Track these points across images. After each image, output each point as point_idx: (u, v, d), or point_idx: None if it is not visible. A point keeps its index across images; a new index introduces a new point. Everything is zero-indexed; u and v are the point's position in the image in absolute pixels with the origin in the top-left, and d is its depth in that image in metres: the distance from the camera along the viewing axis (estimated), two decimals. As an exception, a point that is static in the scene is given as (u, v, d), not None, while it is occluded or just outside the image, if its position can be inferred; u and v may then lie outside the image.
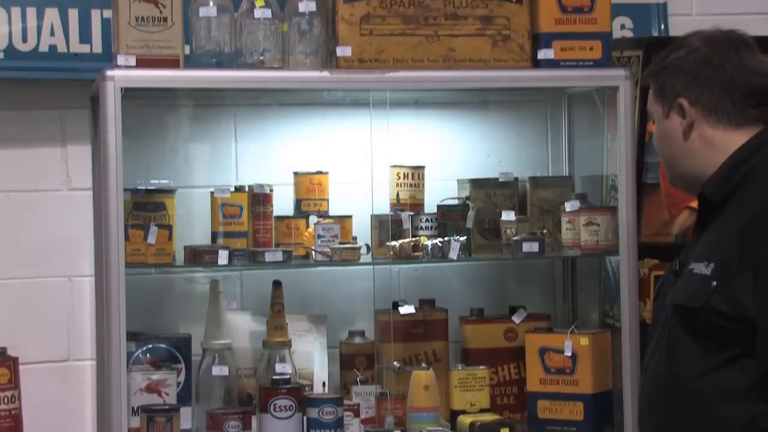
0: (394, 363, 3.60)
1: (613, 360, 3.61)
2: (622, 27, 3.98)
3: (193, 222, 3.69)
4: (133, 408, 3.37)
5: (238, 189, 3.62)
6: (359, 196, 3.64)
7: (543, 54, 3.53)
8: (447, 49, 3.49)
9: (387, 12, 3.46)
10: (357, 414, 3.52)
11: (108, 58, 3.50)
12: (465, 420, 3.60)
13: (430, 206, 3.74)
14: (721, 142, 2.54)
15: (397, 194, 3.72)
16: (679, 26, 3.97)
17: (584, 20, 3.56)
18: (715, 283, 2.41)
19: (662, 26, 4.00)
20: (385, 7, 3.46)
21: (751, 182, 2.49)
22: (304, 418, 3.43)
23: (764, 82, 2.54)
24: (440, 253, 3.57)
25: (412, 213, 3.67)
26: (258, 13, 3.44)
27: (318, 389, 3.59)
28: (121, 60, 3.31)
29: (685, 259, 2.56)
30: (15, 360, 3.50)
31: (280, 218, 3.65)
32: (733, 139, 2.53)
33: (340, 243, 3.55)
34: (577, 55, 3.55)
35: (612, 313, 3.69)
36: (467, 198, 3.75)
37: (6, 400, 3.44)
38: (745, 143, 2.52)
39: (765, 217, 2.41)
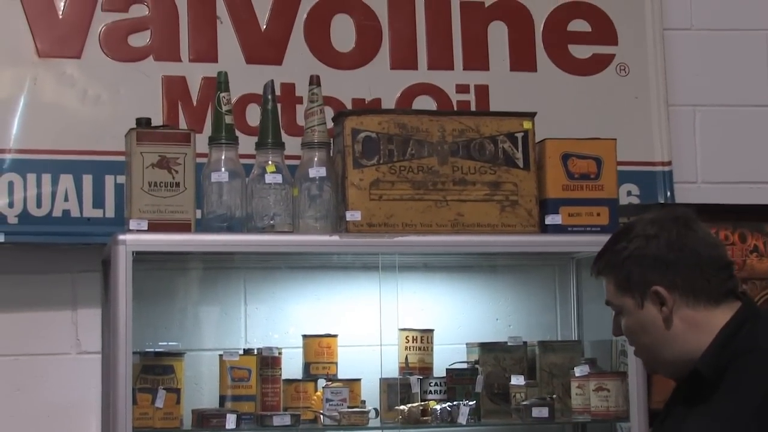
0: None
1: None
2: (629, 193, 4.02)
3: (201, 385, 3.68)
4: None
5: (247, 352, 3.62)
6: (368, 360, 3.64)
7: (550, 219, 3.57)
8: (455, 213, 3.52)
9: (396, 177, 3.51)
10: None
11: (120, 221, 3.54)
12: None
13: (439, 370, 3.73)
14: (705, 322, 2.46)
15: (406, 358, 3.71)
16: (684, 193, 4.03)
17: (591, 187, 3.60)
18: None
19: (668, 193, 4.04)
20: (395, 173, 3.51)
21: (744, 358, 2.42)
22: None
23: (724, 252, 2.52)
24: (449, 418, 3.54)
25: (421, 377, 3.65)
26: (269, 178, 3.49)
27: None
28: (133, 224, 3.35)
29: None
30: None
31: (288, 381, 3.64)
32: (715, 317, 2.47)
33: (348, 407, 3.53)
34: (584, 221, 3.58)
35: (623, 480, 3.64)
36: (476, 362, 3.74)
37: None
38: (731, 318, 2.46)
39: None
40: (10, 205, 3.64)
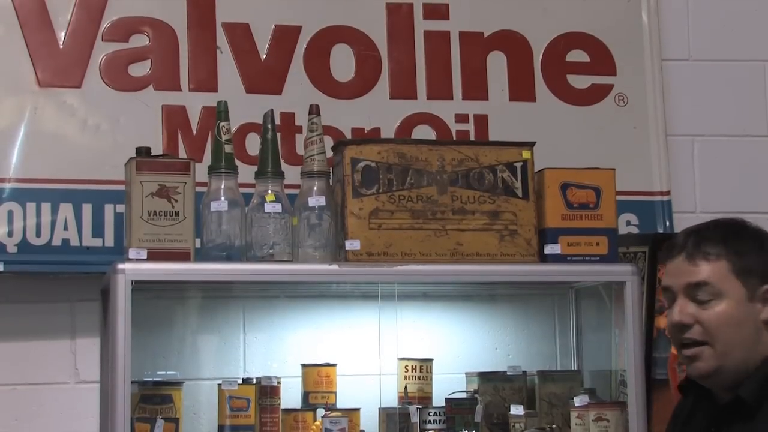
0: None
1: None
2: (628, 223, 4.03)
3: (199, 414, 3.67)
4: None
5: (246, 381, 3.61)
6: (367, 389, 3.63)
7: (550, 249, 3.57)
8: (455, 243, 3.53)
9: (395, 207, 3.51)
10: None
11: (120, 251, 3.54)
12: None
13: (438, 399, 3.72)
14: None
15: (406, 387, 3.70)
16: (683, 223, 4.00)
17: (590, 216, 3.60)
18: None
19: (667, 223, 4.05)
20: (394, 202, 3.51)
21: None
22: None
23: None
24: (448, 448, 3.54)
25: (420, 406, 3.65)
26: (268, 207, 3.49)
27: None
28: (132, 253, 3.35)
29: None
30: None
31: (287, 411, 3.63)
32: None
33: (347, 437, 3.53)
34: (583, 251, 3.58)
35: None
36: (475, 391, 3.74)
37: None
38: None
39: None
40: (10, 234, 3.64)
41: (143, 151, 3.45)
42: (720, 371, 2.50)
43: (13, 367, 3.72)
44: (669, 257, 2.57)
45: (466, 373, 3.82)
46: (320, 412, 3.63)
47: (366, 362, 3.62)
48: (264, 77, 3.88)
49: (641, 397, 3.52)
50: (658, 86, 4.12)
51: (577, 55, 4.09)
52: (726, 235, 2.54)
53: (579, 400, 3.63)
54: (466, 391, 3.77)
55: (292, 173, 3.61)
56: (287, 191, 3.55)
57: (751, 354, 2.47)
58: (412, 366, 3.73)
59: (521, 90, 4.03)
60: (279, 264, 3.46)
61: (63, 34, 3.76)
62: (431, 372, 3.75)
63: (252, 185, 3.55)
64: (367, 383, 3.63)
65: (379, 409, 3.63)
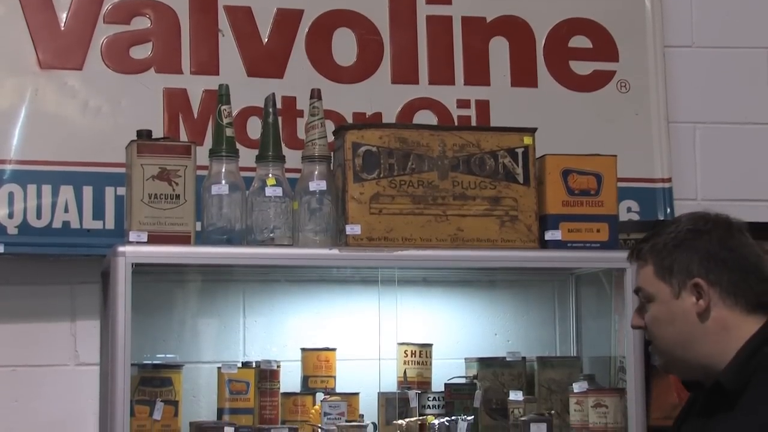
0: None
1: None
2: (629, 210, 4.02)
3: (199, 398, 3.67)
4: None
5: (246, 365, 3.61)
6: (366, 374, 3.64)
7: (550, 235, 3.57)
8: (455, 228, 3.52)
9: (396, 192, 3.51)
10: None
11: (120, 233, 3.54)
12: None
13: (437, 385, 3.73)
14: (736, 327, 2.48)
15: (405, 372, 3.71)
16: (684, 210, 3.98)
17: (591, 203, 3.60)
18: None
19: (668, 210, 4.05)
20: (395, 187, 3.51)
21: (767, 374, 2.42)
22: None
23: (767, 265, 2.52)
24: (447, 433, 3.55)
25: (420, 391, 3.65)
26: (269, 191, 3.49)
27: None
28: (133, 236, 3.35)
29: None
30: None
31: (286, 395, 3.63)
32: (747, 325, 2.48)
33: (346, 421, 3.53)
34: (584, 237, 3.58)
35: (621, 496, 3.64)
36: (475, 377, 3.74)
37: None
38: (759, 330, 2.47)
39: None
40: (10, 215, 3.64)
41: (144, 134, 3.44)
42: (670, 366, 2.57)
43: (13, 349, 3.72)
44: None
45: (465, 359, 3.82)
46: (319, 396, 3.63)
47: (365, 347, 3.62)
48: (265, 61, 3.87)
49: (640, 384, 3.52)
50: (661, 73, 4.11)
51: (579, 41, 4.08)
52: (651, 237, 2.58)
53: (578, 386, 3.63)
54: (466, 377, 3.78)
55: (293, 157, 3.60)
56: (288, 175, 3.55)
57: (709, 346, 2.49)
58: (411, 351, 3.73)
59: (523, 75, 4.02)
60: (279, 248, 3.46)
61: (64, 15, 3.76)
62: (430, 357, 3.75)
63: (253, 169, 3.54)
64: (367, 368, 3.63)
65: (378, 393, 3.63)
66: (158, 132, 3.60)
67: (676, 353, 2.54)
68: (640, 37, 4.11)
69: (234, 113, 3.57)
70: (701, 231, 2.53)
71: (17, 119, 3.69)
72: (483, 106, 3.97)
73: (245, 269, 3.64)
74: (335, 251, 3.45)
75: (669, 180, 4.07)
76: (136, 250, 3.31)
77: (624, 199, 3.93)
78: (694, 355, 2.51)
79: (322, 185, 3.50)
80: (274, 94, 3.57)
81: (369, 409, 3.64)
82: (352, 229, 3.46)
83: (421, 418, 3.57)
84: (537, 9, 4.06)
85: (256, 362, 3.62)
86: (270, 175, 3.51)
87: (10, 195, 3.65)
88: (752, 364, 2.44)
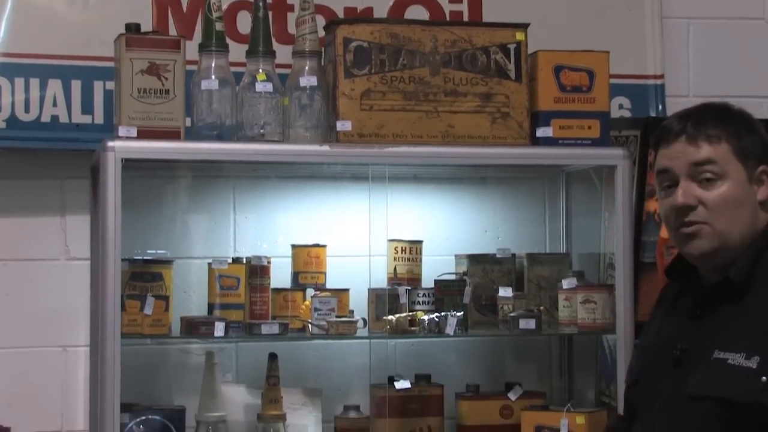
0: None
1: (609, 439, 3.59)
2: (621, 107, 4.01)
3: (189, 293, 3.69)
4: (125, 480, 3.36)
5: (236, 261, 3.62)
6: (357, 270, 3.65)
7: (541, 132, 3.56)
8: (446, 125, 3.51)
9: (387, 88, 3.48)
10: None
11: (109, 128, 3.52)
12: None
13: (427, 281, 3.74)
14: None
15: (395, 268, 3.72)
16: (676, 107, 3.96)
17: (583, 99, 3.59)
18: (765, 378, 2.33)
19: (659, 107, 4.03)
20: (386, 83, 3.48)
21: None
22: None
23: None
24: (437, 329, 3.56)
25: (410, 287, 3.67)
26: (259, 86, 3.46)
27: (312, 464, 3.57)
28: (122, 131, 3.33)
29: (687, 343, 2.48)
30: (7, 430, 3.47)
31: (277, 291, 3.65)
32: None
33: (336, 316, 3.55)
34: (575, 134, 3.57)
35: (608, 392, 3.68)
36: (464, 273, 3.76)
37: (-3, 470, 3.42)
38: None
39: None
40: (-2, 109, 3.61)
41: (133, 28, 3.40)
42: (719, 250, 2.50)
43: (3, 243, 3.72)
44: (666, 141, 2.54)
45: (455, 255, 3.83)
46: (310, 291, 3.65)
47: (356, 243, 3.63)
48: (255, -47, 3.81)
49: (629, 280, 3.54)
50: (655, -33, 4.06)
51: (573, -65, 4.03)
52: (724, 118, 2.54)
53: (567, 283, 3.65)
54: (455, 273, 3.80)
55: (283, 52, 3.57)
56: (278, 71, 3.52)
57: (748, 234, 2.49)
58: (401, 247, 3.74)
59: (516, -30, 3.97)
60: (270, 144, 3.45)
61: None
62: (421, 254, 3.76)
63: (243, 64, 3.51)
64: (357, 264, 3.64)
65: (368, 289, 3.65)
66: (147, 26, 3.56)
67: (731, 237, 2.49)
68: None
69: (224, 7, 3.53)
70: (756, 120, 2.54)
71: (3, 10, 3.64)
72: (475, 2, 3.92)
73: (235, 165, 3.62)
74: (326, 147, 3.43)
75: (661, 77, 4.05)
76: (125, 145, 3.30)
77: (616, 95, 3.90)
78: (734, 240, 2.48)
79: (313, 81, 3.48)
80: (264, -13, 3.52)
81: (359, 305, 3.66)
82: (343, 126, 3.44)
83: (410, 313, 3.60)
84: None
85: (246, 258, 3.62)
86: (260, 71, 3.48)
87: (-2, 88, 3.62)
88: (764, 259, 2.46)
